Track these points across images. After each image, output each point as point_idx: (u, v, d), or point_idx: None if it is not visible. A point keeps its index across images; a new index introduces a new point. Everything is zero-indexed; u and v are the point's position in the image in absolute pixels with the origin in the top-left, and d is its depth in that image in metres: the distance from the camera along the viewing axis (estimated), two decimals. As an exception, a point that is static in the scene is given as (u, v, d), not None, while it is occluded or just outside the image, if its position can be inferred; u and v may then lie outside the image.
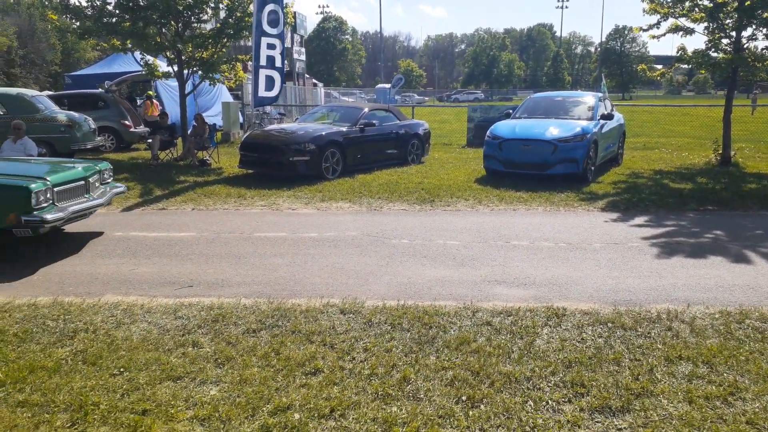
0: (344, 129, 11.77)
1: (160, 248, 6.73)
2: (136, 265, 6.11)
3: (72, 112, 13.83)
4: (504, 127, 11.34)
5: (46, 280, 5.66)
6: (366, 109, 12.73)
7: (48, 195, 6.17)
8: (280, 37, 12.97)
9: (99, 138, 14.42)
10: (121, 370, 3.75)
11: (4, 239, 6.27)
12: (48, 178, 6.29)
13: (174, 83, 15.71)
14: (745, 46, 12.18)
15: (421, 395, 3.43)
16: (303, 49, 33.75)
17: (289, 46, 27.19)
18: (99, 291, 5.31)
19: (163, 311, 4.74)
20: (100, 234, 7.42)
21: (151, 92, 19.39)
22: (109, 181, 7.69)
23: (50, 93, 18.24)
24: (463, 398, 3.39)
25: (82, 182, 6.87)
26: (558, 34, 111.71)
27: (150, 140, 13.64)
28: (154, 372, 3.71)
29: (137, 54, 14.00)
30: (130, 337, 4.24)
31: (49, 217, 6.04)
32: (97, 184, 7.23)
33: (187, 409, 3.31)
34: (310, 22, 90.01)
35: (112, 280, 5.64)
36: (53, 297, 5.08)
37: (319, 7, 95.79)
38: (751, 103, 29.12)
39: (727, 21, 12.15)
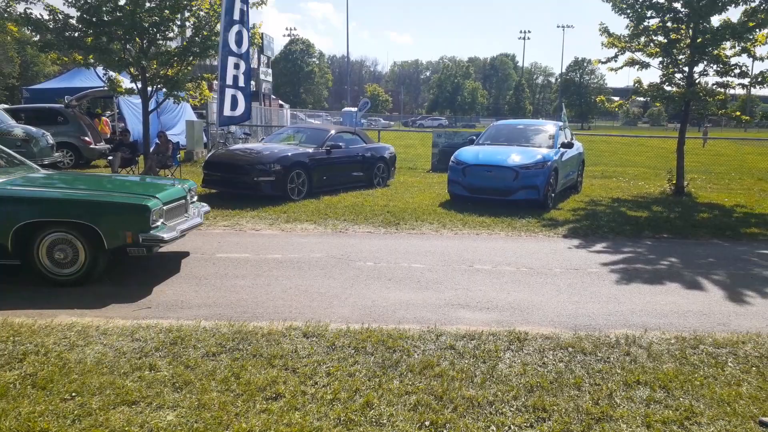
0: (310, 150, 11.76)
1: (119, 268, 6.54)
2: (94, 285, 5.92)
3: (29, 127, 13.47)
4: (468, 153, 11.53)
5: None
6: (333, 131, 12.77)
7: (160, 213, 5.93)
8: (244, 57, 12.95)
9: (57, 154, 14.06)
10: (73, 394, 3.60)
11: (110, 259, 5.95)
12: (158, 196, 6.01)
13: (137, 100, 15.47)
14: (696, 81, 12.74)
15: (384, 420, 3.40)
16: (269, 70, 33.80)
17: (256, 66, 27.15)
18: (52, 312, 5.11)
19: (120, 333, 4.59)
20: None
21: (99, 110, 19.02)
22: (195, 200, 7.39)
23: (6, 107, 17.72)
24: (426, 423, 3.37)
25: (183, 201, 6.66)
26: (520, 64, 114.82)
27: (111, 157, 13.35)
28: (108, 396, 3.58)
29: (100, 69, 13.76)
30: (84, 360, 4.08)
31: (165, 236, 5.81)
32: (190, 203, 7.01)
33: (142, 436, 3.19)
34: (278, 44, 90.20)
35: (66, 300, 5.44)
36: (2, 318, 4.87)
37: (287, 29, 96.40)
38: (702, 135, 30.37)
39: (680, 57, 12.70)
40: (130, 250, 5.79)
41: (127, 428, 3.24)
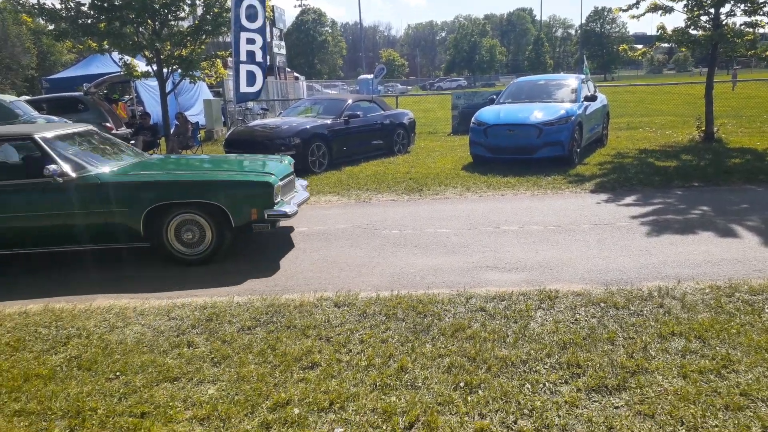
0: (329, 122, 11.72)
1: (149, 250, 6.67)
2: (123, 268, 6.06)
3: (51, 117, 13.63)
4: (489, 113, 11.35)
5: (35, 286, 5.59)
6: (350, 101, 12.68)
7: (279, 189, 6.12)
8: (260, 31, 12.85)
9: (81, 141, 14.23)
10: (117, 374, 3.72)
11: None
12: (274, 173, 6.18)
13: (154, 83, 15.53)
14: (723, 23, 12.26)
15: (419, 383, 3.44)
16: (283, 43, 33.52)
17: (269, 40, 26.96)
18: (89, 296, 5.26)
19: (156, 313, 4.71)
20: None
21: (116, 95, 19.15)
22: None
23: (28, 98, 17.96)
24: (461, 384, 3.40)
25: (291, 176, 6.87)
26: (538, 18, 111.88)
27: (133, 141, 13.50)
28: (150, 374, 3.69)
29: (115, 54, 13.80)
30: (125, 341, 4.21)
31: (288, 211, 5.97)
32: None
33: (185, 410, 3.30)
34: (289, 15, 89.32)
35: (102, 283, 5.59)
36: (44, 304, 5.03)
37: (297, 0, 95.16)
38: (731, 78, 29.39)
39: (705, -2, 12.20)
40: (255, 226, 5.95)
41: (171, 403, 3.34)
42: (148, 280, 5.65)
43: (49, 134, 5.97)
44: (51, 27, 14.05)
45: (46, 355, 4.04)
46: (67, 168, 5.67)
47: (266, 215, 5.83)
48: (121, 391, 3.51)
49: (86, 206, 5.67)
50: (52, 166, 5.57)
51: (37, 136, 5.82)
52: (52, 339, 4.29)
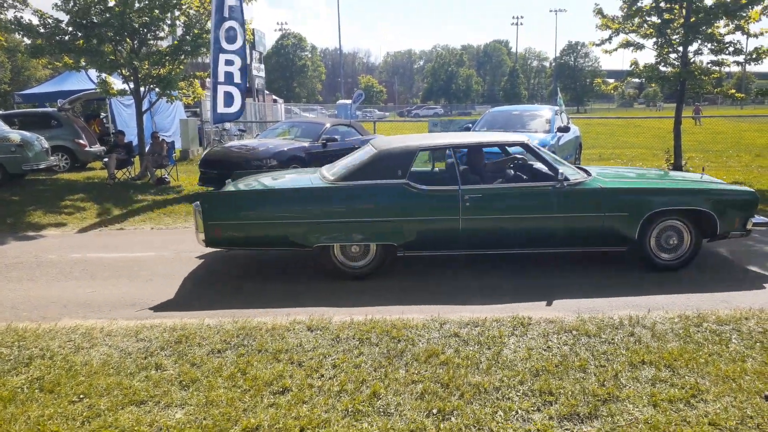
0: (306, 144, 11.73)
1: (119, 269, 6.55)
2: (95, 287, 5.93)
3: (24, 132, 13.40)
4: (464, 141, 11.47)
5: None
6: (328, 125, 12.73)
7: None
8: (239, 53, 12.87)
9: (52, 158, 13.99)
10: (81, 396, 3.61)
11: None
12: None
13: (129, 101, 15.41)
14: (691, 61, 12.70)
15: (392, 410, 3.41)
16: (262, 66, 33.66)
17: (249, 62, 27.06)
18: (56, 315, 5.12)
19: (124, 334, 4.59)
20: (55, 256, 7.17)
21: (94, 108, 18.96)
22: None
23: (0, 112, 17.64)
24: (434, 411, 3.38)
25: None
26: (514, 50, 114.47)
27: (106, 159, 13.32)
28: (116, 397, 3.58)
29: (91, 72, 13.68)
30: (90, 362, 4.09)
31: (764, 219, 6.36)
32: None
33: (151, 435, 3.20)
34: (269, 38, 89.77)
35: (69, 303, 5.45)
36: (6, 323, 4.87)
37: (278, 23, 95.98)
38: (693, 114, 30.34)
39: (674, 36, 12.64)
40: (732, 233, 6.12)
41: (136, 428, 3.25)
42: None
43: (534, 141, 6.45)
44: (27, 42, 13.89)
45: (6, 376, 3.90)
46: (570, 173, 6.03)
47: (749, 224, 6.09)
48: (84, 414, 3.40)
49: (587, 209, 5.89)
50: (564, 170, 5.93)
51: (530, 143, 6.24)
52: (13, 359, 4.15)
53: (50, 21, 12.69)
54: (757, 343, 4.23)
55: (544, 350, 4.18)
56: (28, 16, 12.88)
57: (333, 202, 5.86)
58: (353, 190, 5.84)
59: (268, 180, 6.87)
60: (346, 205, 5.83)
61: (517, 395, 3.56)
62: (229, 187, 6.51)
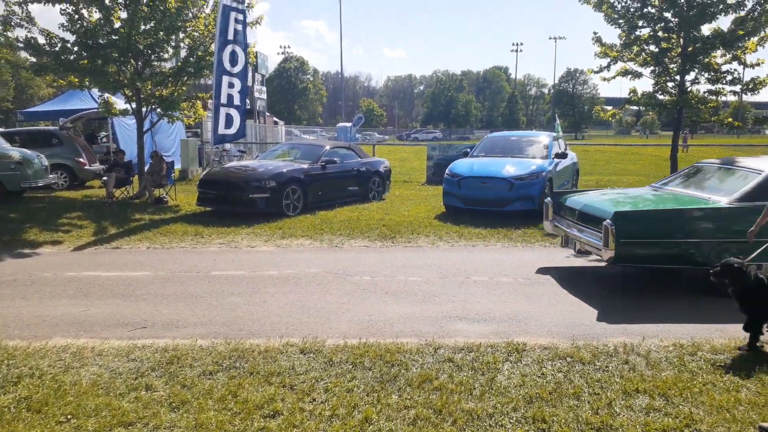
0: (305, 166, 11.79)
1: (114, 288, 6.52)
2: (88, 306, 5.90)
3: (24, 149, 13.46)
4: (462, 166, 11.57)
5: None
6: (327, 147, 12.81)
7: None
8: (240, 75, 13.01)
9: (51, 175, 14.04)
10: (69, 417, 3.57)
11: None
12: None
13: (131, 121, 15.51)
14: (688, 89, 12.84)
15: (383, 435, 3.37)
16: (264, 88, 33.94)
17: (250, 84, 27.29)
18: (47, 334, 5.08)
19: (115, 354, 4.56)
20: (50, 274, 7.14)
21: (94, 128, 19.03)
22: None
23: (1, 130, 17.73)
24: (426, 437, 3.34)
25: None
26: (513, 76, 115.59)
27: (105, 178, 13.35)
28: (104, 418, 3.54)
29: (94, 91, 13.80)
30: (79, 382, 4.05)
31: None
32: None
33: (138, 457, 3.16)
34: (272, 62, 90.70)
35: (61, 322, 5.42)
36: (-3, 341, 4.83)
37: (281, 47, 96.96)
38: (682, 142, 30.56)
39: (672, 65, 12.82)
40: None
41: (123, 450, 3.20)
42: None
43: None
44: (32, 60, 14.02)
45: (-6, 395, 3.86)
46: None
47: None
48: (71, 435, 3.36)
49: None
50: None
51: None
52: (2, 378, 4.11)
53: (56, 41, 12.84)
54: (752, 373, 4.21)
55: (539, 377, 4.15)
56: (33, 35, 12.96)
57: (739, 222, 5.81)
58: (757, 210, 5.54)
59: (622, 197, 7.14)
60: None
61: (510, 422, 3.52)
62: (602, 204, 6.66)
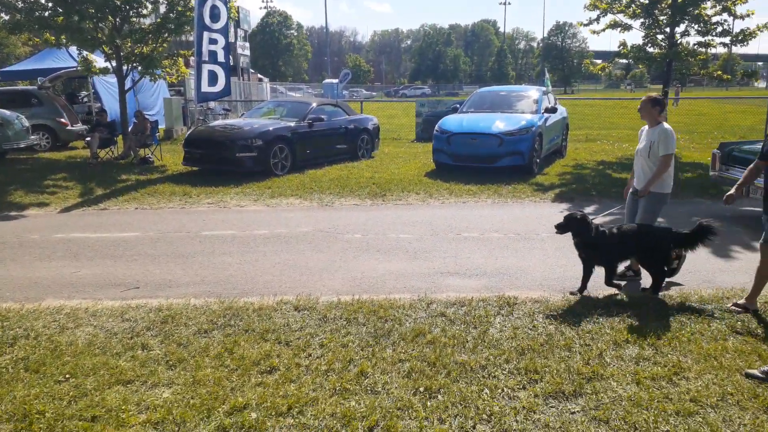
0: (292, 124, 11.64)
1: (103, 249, 6.49)
2: (79, 267, 5.87)
3: (2, 110, 13.13)
4: (452, 122, 11.48)
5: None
6: (314, 104, 12.62)
7: None
8: (222, 31, 12.68)
9: (33, 137, 13.75)
10: (67, 376, 3.59)
11: None
12: None
13: (112, 79, 15.15)
14: (678, 42, 12.72)
15: (379, 388, 3.43)
16: (247, 44, 33.12)
17: (233, 41, 26.63)
18: (39, 296, 5.07)
19: (110, 314, 4.57)
20: (38, 236, 7.08)
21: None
22: None
23: (-22, 90, 17.25)
24: (421, 389, 3.41)
25: None
26: (501, 30, 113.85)
27: (89, 138, 13.12)
28: (102, 377, 3.57)
29: (72, 49, 13.40)
30: (75, 342, 4.06)
31: None
32: None
33: (139, 414, 3.20)
34: (254, 16, 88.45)
35: (53, 283, 5.40)
36: (-11, 304, 4.82)
37: (263, 1, 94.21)
38: (674, 95, 30.48)
39: (662, 17, 12.66)
40: None
41: (123, 407, 3.24)
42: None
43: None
44: (5, 18, 13.55)
45: (-10, 357, 3.86)
46: None
47: None
48: (70, 394, 3.38)
49: None
50: None
51: None
52: (-3, 340, 4.11)
53: (29, -5, 12.39)
54: (738, 323, 4.31)
55: (530, 329, 4.22)
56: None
57: None
58: None
59: None
60: None
61: (503, 373, 3.59)
62: None
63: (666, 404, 3.24)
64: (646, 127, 5.29)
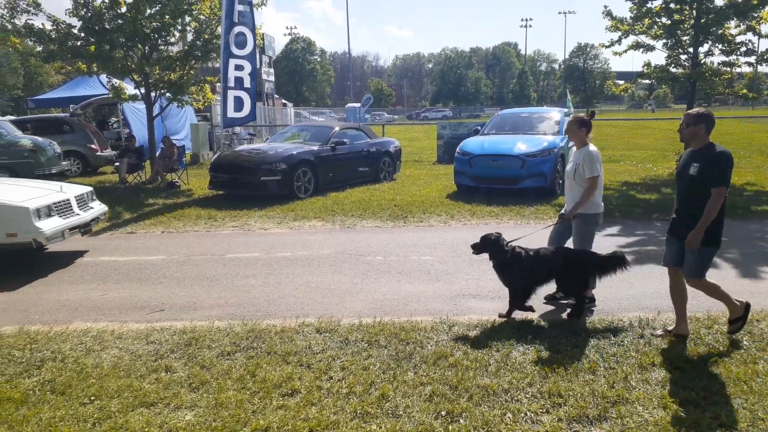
0: (315, 148, 11.78)
1: (130, 272, 6.60)
2: (106, 290, 5.98)
3: (36, 137, 13.56)
4: (473, 144, 11.50)
5: (10, 309, 5.49)
6: (337, 128, 12.77)
7: None
8: (249, 58, 12.96)
9: (64, 163, 14.15)
10: (92, 398, 3.64)
11: None
12: None
13: (141, 106, 15.55)
14: (702, 62, 12.63)
15: (400, 412, 3.41)
16: (272, 70, 33.75)
17: (258, 67, 27.17)
18: (67, 318, 5.17)
19: (135, 336, 4.63)
20: (67, 259, 7.24)
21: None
22: None
23: (13, 118, 17.86)
24: (443, 413, 3.38)
25: None
26: (523, 52, 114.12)
27: (117, 163, 13.43)
28: (126, 399, 3.62)
29: (103, 77, 13.81)
30: (101, 364, 4.13)
31: None
32: None
33: (161, 436, 3.22)
34: (279, 43, 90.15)
35: (80, 306, 5.50)
36: (18, 326, 4.93)
37: (287, 28, 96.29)
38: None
39: (685, 38, 12.59)
40: None
41: (146, 429, 3.27)
42: (127, 304, 5.57)
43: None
44: (39, 48, 14.05)
45: (18, 378, 3.94)
46: None
47: None
48: (95, 416, 3.43)
49: None
50: None
51: None
52: (25, 362, 4.20)
53: (63, 26, 12.84)
54: (769, 345, 4.20)
55: (554, 352, 4.17)
56: (40, 22, 13.00)
57: None
58: None
59: None
60: None
61: (526, 397, 3.55)
62: None
63: (694, 429, 3.16)
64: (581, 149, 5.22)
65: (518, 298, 4.87)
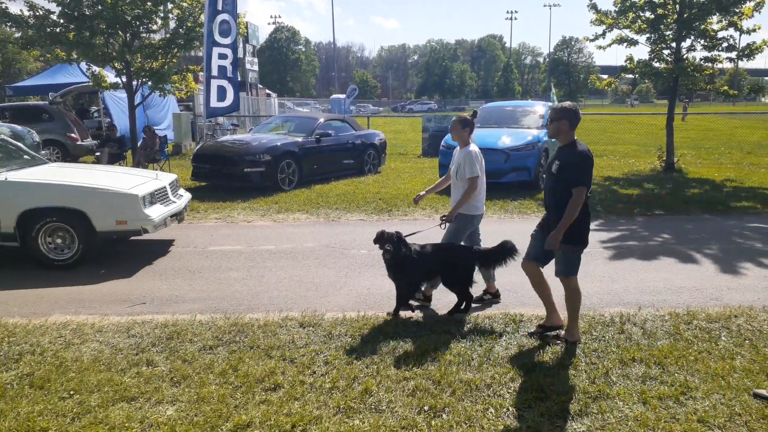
0: (300, 139, 11.70)
1: (109, 265, 6.51)
2: (85, 282, 5.90)
3: (14, 125, 13.28)
4: (458, 137, 11.49)
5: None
6: (321, 120, 12.70)
7: None
8: (232, 47, 12.83)
9: (43, 151, 13.88)
10: (71, 392, 3.59)
11: None
12: None
13: (122, 95, 15.31)
14: (684, 57, 12.74)
15: (383, 407, 3.41)
16: (255, 59, 33.40)
17: (242, 56, 26.87)
18: (46, 311, 5.09)
19: (116, 330, 4.58)
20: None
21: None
22: None
23: (-10, 105, 17.51)
24: (425, 408, 3.39)
25: None
26: (508, 45, 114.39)
27: (98, 153, 13.23)
28: (106, 393, 3.57)
29: (83, 65, 13.57)
30: (80, 358, 4.07)
31: None
32: None
33: (142, 431, 3.19)
34: (263, 32, 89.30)
35: (60, 299, 5.42)
36: (-4, 319, 4.84)
37: (272, 17, 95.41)
38: (682, 111, 30.45)
39: (668, 32, 12.69)
40: None
41: (127, 424, 3.24)
42: (108, 296, 5.50)
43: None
44: (18, 35, 13.76)
45: (-4, 373, 3.88)
46: None
47: None
48: (74, 410, 3.39)
49: None
50: None
51: None
52: (3, 355, 4.13)
53: (40, 12, 12.56)
54: (746, 341, 4.27)
55: (536, 347, 4.20)
56: (18, 8, 12.76)
57: None
58: None
59: None
60: None
61: (509, 392, 3.57)
62: None
63: (673, 424, 3.20)
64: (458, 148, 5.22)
65: (406, 295, 4.87)
